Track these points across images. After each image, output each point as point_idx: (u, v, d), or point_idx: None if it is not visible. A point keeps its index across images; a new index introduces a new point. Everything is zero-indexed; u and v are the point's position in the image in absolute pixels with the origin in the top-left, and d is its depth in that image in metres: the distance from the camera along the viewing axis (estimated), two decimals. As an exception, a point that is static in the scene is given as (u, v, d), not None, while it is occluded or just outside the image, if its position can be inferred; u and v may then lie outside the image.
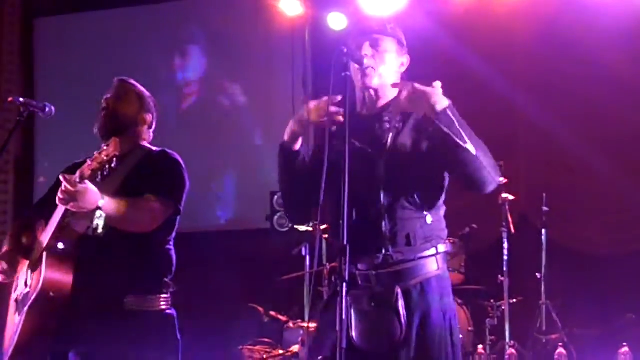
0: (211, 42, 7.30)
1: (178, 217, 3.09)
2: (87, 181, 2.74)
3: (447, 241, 2.68)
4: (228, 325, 6.22)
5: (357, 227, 2.35)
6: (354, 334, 2.54)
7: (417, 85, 2.52)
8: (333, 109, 2.51)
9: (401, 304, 2.52)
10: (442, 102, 2.49)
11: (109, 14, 7.44)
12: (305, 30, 6.94)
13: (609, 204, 6.22)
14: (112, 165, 2.73)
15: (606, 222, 6.22)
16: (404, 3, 6.26)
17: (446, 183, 2.68)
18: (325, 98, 2.55)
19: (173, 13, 7.37)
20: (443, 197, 2.69)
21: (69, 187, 2.72)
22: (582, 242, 6.24)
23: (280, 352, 5.60)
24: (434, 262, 2.62)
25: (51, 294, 2.84)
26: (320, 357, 2.59)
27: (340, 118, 2.48)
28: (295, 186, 2.73)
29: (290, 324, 5.76)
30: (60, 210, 2.86)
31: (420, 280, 2.58)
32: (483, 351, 5.39)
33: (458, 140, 2.47)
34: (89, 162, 2.74)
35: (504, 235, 5.60)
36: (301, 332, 5.53)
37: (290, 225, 6.42)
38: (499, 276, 5.60)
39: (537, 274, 5.73)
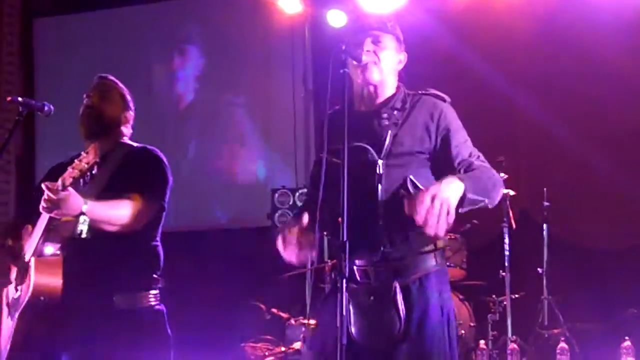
0: (210, 40, 7.30)
1: (164, 213, 3.12)
2: (69, 188, 2.76)
3: (444, 237, 2.68)
4: (230, 323, 6.22)
5: (355, 223, 2.36)
6: (352, 329, 2.55)
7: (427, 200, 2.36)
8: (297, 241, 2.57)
9: (400, 299, 2.53)
10: (455, 203, 2.39)
11: (108, 13, 7.44)
12: (304, 27, 6.94)
13: (610, 199, 6.21)
14: (93, 172, 2.76)
15: (607, 216, 6.22)
16: (404, 0, 6.26)
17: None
18: (294, 228, 2.61)
19: (172, 12, 7.37)
20: None
21: (51, 195, 2.75)
22: (584, 236, 6.24)
23: (282, 349, 5.61)
24: (432, 258, 2.63)
25: (42, 298, 2.87)
26: (319, 351, 2.61)
27: (311, 256, 2.55)
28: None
29: (292, 321, 5.77)
30: (45, 217, 2.88)
31: (419, 276, 2.60)
32: (485, 346, 5.39)
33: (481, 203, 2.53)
34: (69, 169, 2.76)
35: (505, 230, 5.60)
36: (303, 329, 5.53)
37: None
38: (501, 271, 5.61)
39: (538, 269, 5.73)
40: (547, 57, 6.34)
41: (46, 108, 3.07)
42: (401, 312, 2.53)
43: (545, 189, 5.79)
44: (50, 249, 2.92)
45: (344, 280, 2.29)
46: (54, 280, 2.88)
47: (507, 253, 5.59)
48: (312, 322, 5.40)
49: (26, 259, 2.94)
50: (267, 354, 5.65)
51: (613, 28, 5.95)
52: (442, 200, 2.34)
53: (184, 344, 5.86)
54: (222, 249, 6.66)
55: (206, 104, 7.30)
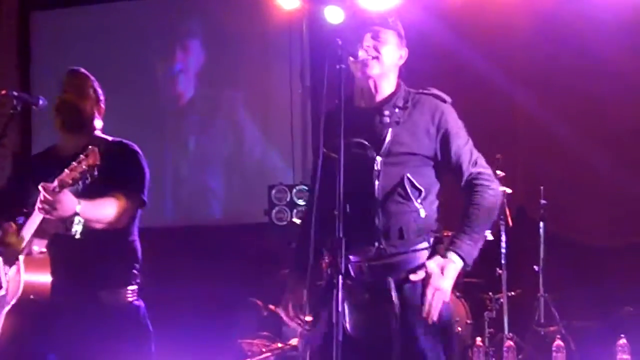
0: (208, 36, 7.28)
1: (142, 208, 3.17)
2: (66, 189, 2.77)
3: (437, 232, 2.71)
4: (227, 319, 6.22)
5: (350, 220, 2.36)
6: (347, 325, 2.55)
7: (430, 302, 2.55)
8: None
9: (395, 295, 2.54)
10: (451, 280, 2.59)
11: (105, 7, 7.42)
12: (302, 23, 6.93)
13: (607, 197, 6.21)
14: (95, 174, 2.78)
15: (604, 214, 6.22)
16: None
17: (441, 178, 2.69)
18: (290, 307, 2.75)
19: (170, 7, 7.35)
20: (437, 191, 2.70)
21: (48, 196, 2.76)
22: (580, 234, 6.24)
23: (279, 345, 5.61)
24: (426, 254, 2.63)
25: (31, 296, 2.89)
26: (317, 346, 2.62)
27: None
28: None
29: (289, 318, 5.76)
30: (37, 216, 2.87)
31: (413, 270, 2.59)
32: (481, 344, 5.40)
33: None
34: (67, 171, 2.77)
35: (502, 228, 5.61)
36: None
37: (288, 219, 6.42)
38: (497, 269, 5.61)
39: (535, 267, 5.74)
40: (546, 54, 6.33)
41: (41, 102, 3.07)
42: (396, 309, 2.54)
43: (542, 186, 5.79)
44: (36, 247, 2.94)
45: (340, 277, 2.29)
46: (43, 279, 2.90)
47: (503, 251, 5.60)
48: (309, 318, 5.40)
49: (13, 257, 2.95)
50: (264, 350, 5.64)
51: (612, 25, 5.95)
52: (440, 295, 2.54)
53: (181, 340, 5.88)
54: (220, 245, 6.66)
55: (204, 99, 7.29)
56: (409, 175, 2.59)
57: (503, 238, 5.61)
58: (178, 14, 7.32)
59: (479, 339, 5.44)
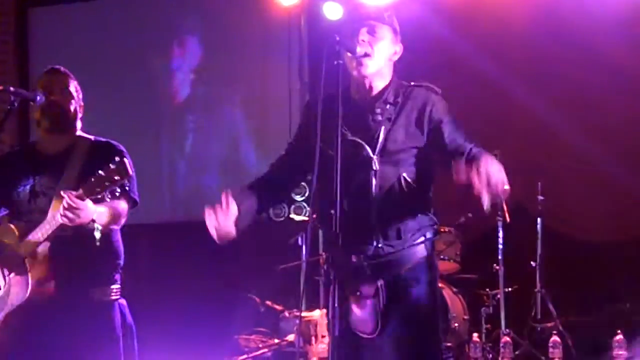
0: (207, 32, 7.27)
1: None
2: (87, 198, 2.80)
3: (435, 228, 2.71)
4: (224, 315, 6.22)
5: (348, 219, 2.37)
6: (350, 318, 2.57)
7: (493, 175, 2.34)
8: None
9: (382, 294, 2.56)
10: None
11: (103, 3, 7.41)
12: (301, 20, 6.92)
13: (605, 192, 6.21)
14: (126, 186, 2.83)
15: (601, 210, 6.23)
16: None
17: (437, 172, 2.70)
18: (220, 212, 2.71)
19: (168, 3, 7.34)
20: (432, 188, 2.71)
21: (72, 204, 2.77)
22: (577, 230, 6.24)
23: (276, 341, 5.62)
24: (422, 248, 2.65)
25: (36, 296, 2.92)
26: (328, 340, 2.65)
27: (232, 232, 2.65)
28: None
29: (286, 314, 5.77)
30: (52, 224, 2.89)
31: (409, 266, 2.61)
32: (478, 339, 5.41)
33: None
34: (92, 179, 2.78)
35: (499, 224, 5.61)
36: (297, 321, 5.54)
37: (286, 214, 6.42)
38: (495, 265, 5.62)
39: (532, 263, 5.74)
40: (543, 48, 6.31)
41: (38, 98, 3.06)
42: (380, 305, 2.55)
43: (539, 182, 5.80)
44: (41, 249, 2.95)
45: (334, 273, 2.30)
46: (48, 280, 2.94)
47: (501, 246, 5.61)
48: (307, 314, 5.41)
49: (16, 259, 2.97)
50: (261, 346, 5.65)
51: (609, 18, 5.94)
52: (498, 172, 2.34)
53: (178, 336, 5.88)
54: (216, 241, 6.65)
55: (202, 96, 7.28)
56: (404, 174, 2.60)
57: (500, 234, 5.61)
58: (176, 10, 7.31)
59: (475, 334, 5.45)
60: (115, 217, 3.02)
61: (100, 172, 2.77)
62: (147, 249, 6.63)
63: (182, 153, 7.22)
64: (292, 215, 6.35)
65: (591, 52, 6.08)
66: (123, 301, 3.15)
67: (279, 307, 5.88)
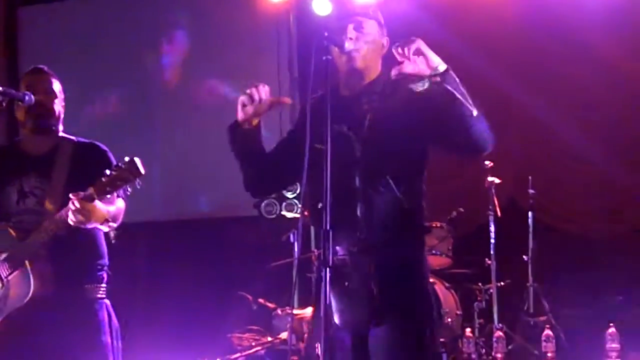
0: (196, 27, 7.25)
1: None
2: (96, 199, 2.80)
3: (424, 224, 2.70)
4: (217, 313, 6.21)
5: (333, 210, 2.35)
6: (335, 315, 2.56)
7: (422, 44, 2.58)
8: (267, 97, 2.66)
9: (373, 284, 2.54)
10: (442, 62, 2.53)
11: (93, 1, 7.39)
12: (290, 15, 6.91)
13: (596, 186, 6.23)
14: (137, 185, 2.80)
15: (593, 204, 6.25)
16: (389, -12, 6.23)
17: (426, 165, 2.69)
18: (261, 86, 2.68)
19: (157, -1, 7.34)
20: (422, 182, 2.69)
21: (79, 206, 2.77)
22: (569, 224, 6.26)
23: (269, 339, 5.61)
24: (410, 242, 2.63)
25: (35, 296, 2.92)
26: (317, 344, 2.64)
27: (287, 100, 2.67)
28: (249, 163, 3.00)
29: (279, 311, 5.76)
30: (56, 225, 2.88)
31: (396, 260, 2.59)
32: (471, 334, 5.41)
33: (464, 102, 2.58)
34: (104, 179, 2.77)
35: (491, 218, 5.62)
36: (289, 319, 5.53)
37: (278, 212, 6.41)
38: (487, 259, 5.63)
39: (524, 257, 5.75)
40: (535, 44, 6.32)
41: (27, 98, 3.03)
42: (375, 297, 2.54)
43: (530, 176, 5.80)
44: (41, 250, 2.95)
45: (327, 270, 2.29)
46: (49, 280, 2.93)
47: (492, 241, 5.62)
48: (300, 312, 5.40)
49: (16, 260, 2.96)
50: (253, 344, 5.64)
51: (602, 14, 5.95)
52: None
53: (171, 334, 5.87)
54: (208, 239, 6.65)
55: (192, 91, 7.26)
56: (390, 165, 2.58)
57: (492, 228, 5.62)
58: (165, 6, 7.29)
59: (468, 329, 5.45)
60: (120, 216, 3.06)
61: (112, 172, 2.76)
62: (139, 247, 6.62)
63: (173, 150, 7.18)
64: (284, 213, 6.34)
65: (584, 48, 6.10)
66: (108, 302, 3.14)
67: (271, 305, 5.86)
